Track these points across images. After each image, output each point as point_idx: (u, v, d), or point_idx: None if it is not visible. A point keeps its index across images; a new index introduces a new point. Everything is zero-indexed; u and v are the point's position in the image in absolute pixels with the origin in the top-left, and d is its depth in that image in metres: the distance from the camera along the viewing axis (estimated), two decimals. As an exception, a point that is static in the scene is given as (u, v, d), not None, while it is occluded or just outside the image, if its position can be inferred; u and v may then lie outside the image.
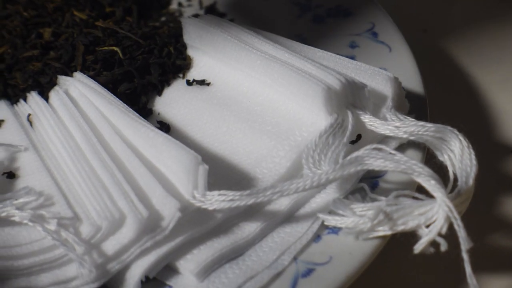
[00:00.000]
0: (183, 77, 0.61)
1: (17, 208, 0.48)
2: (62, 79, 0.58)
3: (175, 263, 0.48)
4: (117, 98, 0.55)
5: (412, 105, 0.57)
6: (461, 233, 0.45)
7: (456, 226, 0.46)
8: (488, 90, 0.70)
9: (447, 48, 0.75)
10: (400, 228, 0.48)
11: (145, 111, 0.58)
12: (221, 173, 0.52)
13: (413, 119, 0.53)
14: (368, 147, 0.49)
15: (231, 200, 0.47)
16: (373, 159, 0.48)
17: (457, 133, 0.51)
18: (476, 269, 0.45)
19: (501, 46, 0.75)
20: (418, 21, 0.78)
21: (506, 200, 0.59)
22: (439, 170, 0.50)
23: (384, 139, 0.54)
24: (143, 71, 0.60)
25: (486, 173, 0.53)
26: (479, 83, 0.71)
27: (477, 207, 0.52)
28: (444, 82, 0.71)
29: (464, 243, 0.45)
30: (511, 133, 0.65)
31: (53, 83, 0.58)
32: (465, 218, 0.47)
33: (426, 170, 0.47)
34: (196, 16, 0.62)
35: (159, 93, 0.60)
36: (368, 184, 0.51)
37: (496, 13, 0.79)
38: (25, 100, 0.59)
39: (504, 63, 0.73)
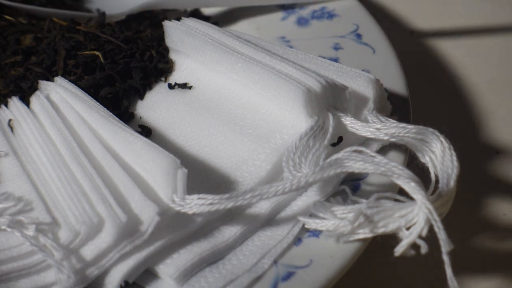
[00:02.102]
0: (165, 81, 0.61)
1: (-4, 214, 0.48)
2: (43, 84, 0.58)
3: (154, 268, 0.47)
4: (98, 103, 0.55)
5: (395, 106, 0.57)
6: (442, 235, 0.45)
7: (436, 228, 0.45)
8: (474, 91, 0.70)
9: (434, 49, 0.75)
10: (380, 230, 0.48)
11: (127, 115, 0.58)
12: (202, 177, 0.52)
13: (394, 121, 0.52)
14: (348, 149, 0.48)
15: (211, 203, 0.47)
16: (352, 161, 0.48)
17: (438, 134, 0.50)
18: (460, 271, 0.45)
19: (488, 47, 0.75)
20: (405, 23, 0.78)
21: (493, 201, 0.59)
22: (421, 172, 0.50)
23: (365, 141, 0.54)
24: (124, 75, 0.60)
25: (472, 175, 0.53)
26: (465, 84, 0.70)
27: (462, 209, 0.52)
28: (431, 84, 0.71)
29: (445, 245, 0.45)
30: (498, 134, 0.65)
31: (34, 88, 0.58)
32: (450, 220, 0.47)
33: (406, 172, 0.47)
34: (178, 19, 0.61)
35: (141, 97, 0.60)
36: (349, 187, 0.51)
37: (482, 14, 0.79)
38: (6, 105, 0.58)
39: (490, 64, 0.73)
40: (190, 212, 0.47)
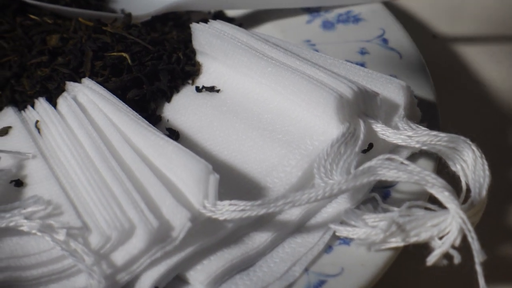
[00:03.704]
0: (192, 84, 0.60)
1: (26, 218, 0.48)
2: (71, 85, 0.57)
3: (185, 274, 0.47)
4: (126, 105, 0.55)
5: (423, 113, 0.56)
6: (475, 245, 0.45)
7: (470, 239, 0.45)
8: (500, 97, 0.69)
9: (456, 54, 0.74)
10: (413, 239, 0.47)
11: (154, 118, 0.58)
12: (231, 182, 0.52)
13: (425, 129, 0.52)
14: (381, 157, 0.48)
15: (242, 210, 0.47)
16: (386, 170, 0.47)
17: (470, 143, 0.50)
18: (489, 281, 0.44)
19: (510, 53, 0.74)
20: (427, 27, 0.78)
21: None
22: (452, 180, 0.49)
23: (395, 148, 0.54)
24: (152, 77, 0.59)
25: (499, 183, 0.52)
26: (490, 90, 0.70)
27: (490, 218, 0.51)
28: (454, 89, 0.70)
29: (478, 256, 0.44)
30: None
31: (61, 89, 0.58)
32: (478, 229, 0.47)
33: (440, 181, 0.47)
34: (205, 21, 0.61)
35: (168, 99, 0.60)
36: (379, 194, 0.51)
37: (507, 18, 0.78)
38: (32, 106, 0.58)
39: (514, 70, 0.72)
40: (221, 218, 0.47)
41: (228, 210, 0.47)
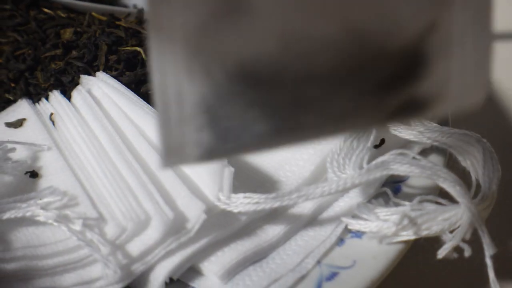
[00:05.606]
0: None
1: (42, 208, 0.48)
2: (85, 78, 0.58)
3: (199, 265, 0.48)
4: (141, 99, 0.55)
5: (433, 109, 0.57)
6: (485, 239, 0.45)
7: (480, 232, 0.46)
8: (507, 95, 0.70)
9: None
10: (424, 233, 0.48)
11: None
12: (245, 175, 0.52)
13: (436, 124, 0.53)
14: (393, 152, 0.49)
15: (256, 203, 0.47)
16: (398, 164, 0.48)
17: (480, 138, 0.51)
18: (499, 274, 0.45)
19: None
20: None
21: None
22: (462, 175, 0.50)
23: (407, 143, 0.54)
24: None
25: (508, 178, 0.53)
26: (500, 87, 0.71)
27: (500, 213, 0.52)
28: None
29: (488, 249, 0.45)
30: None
31: (75, 83, 0.58)
32: (488, 223, 0.47)
33: (451, 176, 0.47)
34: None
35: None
36: (390, 189, 0.51)
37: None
38: (47, 99, 0.58)
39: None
40: (235, 210, 0.47)
41: (242, 203, 0.47)
